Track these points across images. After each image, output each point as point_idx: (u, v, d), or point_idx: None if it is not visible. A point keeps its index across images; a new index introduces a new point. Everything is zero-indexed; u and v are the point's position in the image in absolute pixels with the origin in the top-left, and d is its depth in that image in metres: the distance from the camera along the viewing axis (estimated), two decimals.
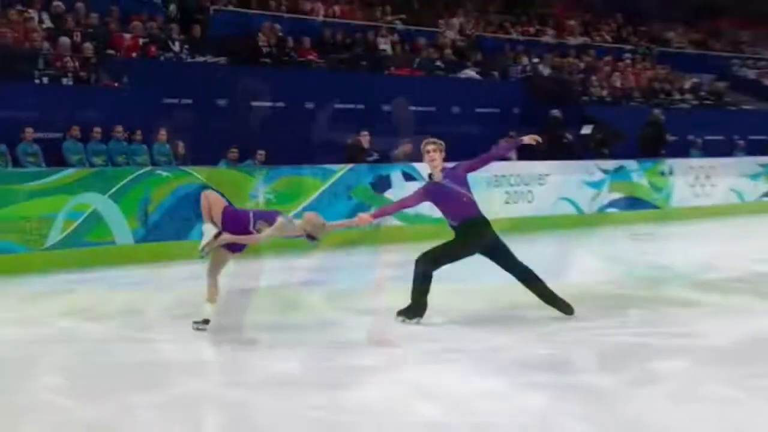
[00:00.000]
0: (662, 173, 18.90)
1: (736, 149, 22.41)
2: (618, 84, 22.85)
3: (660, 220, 17.61)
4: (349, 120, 17.00)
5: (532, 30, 25.22)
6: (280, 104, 17.34)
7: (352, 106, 17.93)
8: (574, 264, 11.60)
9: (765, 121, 25.06)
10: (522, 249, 13.49)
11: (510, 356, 6.55)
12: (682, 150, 21.59)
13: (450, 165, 7.97)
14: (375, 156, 16.05)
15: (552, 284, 7.77)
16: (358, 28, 20.65)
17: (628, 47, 26.40)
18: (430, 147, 7.87)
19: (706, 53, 28.77)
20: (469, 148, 17.31)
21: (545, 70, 22.27)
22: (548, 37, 25.14)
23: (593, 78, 22.47)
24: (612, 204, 17.85)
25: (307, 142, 15.86)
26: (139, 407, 5.37)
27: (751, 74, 28.18)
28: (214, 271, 7.57)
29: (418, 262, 7.74)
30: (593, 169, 17.71)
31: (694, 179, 19.48)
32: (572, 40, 25.37)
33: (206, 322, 7.42)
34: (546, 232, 15.71)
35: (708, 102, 24.59)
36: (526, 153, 18.66)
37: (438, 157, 7.87)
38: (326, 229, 7.73)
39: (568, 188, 17.21)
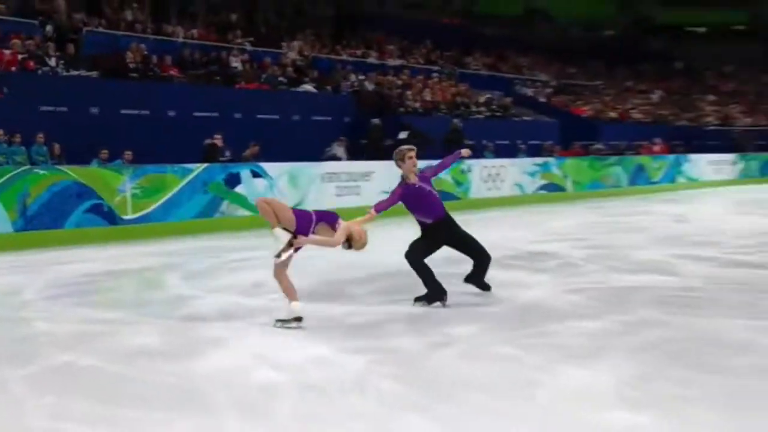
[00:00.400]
0: (462, 171, 19.34)
1: (519, 152, 23.17)
2: (428, 98, 23.19)
3: (461, 209, 17.94)
4: (205, 126, 16.68)
5: (359, 52, 25.31)
6: (145, 112, 16.80)
7: (207, 114, 17.55)
8: (391, 246, 11.74)
9: (540, 129, 26.11)
10: None
11: (336, 325, 6.50)
12: (478, 152, 22.16)
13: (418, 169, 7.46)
14: (228, 156, 15.79)
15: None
16: (213, 48, 20.21)
17: (436, 68, 26.86)
18: (413, 153, 7.35)
19: (495, 75, 29.62)
20: (307, 148, 17.44)
21: (370, 86, 22.37)
22: (372, 59, 25.28)
23: (408, 93, 22.72)
24: None
25: (169, 143, 15.48)
26: (14, 380, 5.07)
27: (529, 92, 29.17)
28: (284, 270, 6.45)
29: (407, 257, 7.43)
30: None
31: (487, 176, 20.03)
32: (391, 62, 25.61)
33: (299, 320, 6.37)
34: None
35: (497, 114, 25.27)
36: (356, 154, 18.82)
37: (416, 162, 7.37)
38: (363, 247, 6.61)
39: (389, 183, 17.30)
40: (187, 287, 8.39)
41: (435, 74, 25.84)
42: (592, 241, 11.52)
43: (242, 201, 14.49)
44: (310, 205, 15.57)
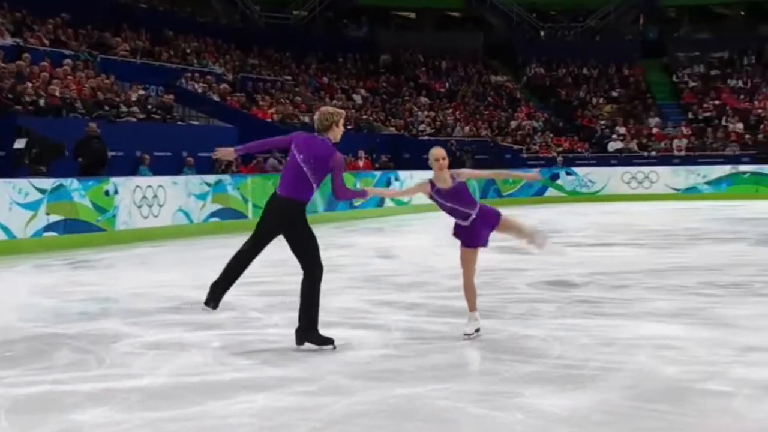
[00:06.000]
0: (107, 193, 18.99)
1: (185, 167, 23.22)
2: (57, 93, 22.52)
3: (104, 244, 17.70)
4: None
5: None
6: None
7: None
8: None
9: (212, 137, 26.31)
10: None
11: None
12: (130, 167, 21.95)
13: None
14: None
15: None
16: None
17: (69, 52, 26.21)
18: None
19: (153, 63, 29.50)
20: None
21: None
22: None
23: (28, 85, 21.96)
24: (50, 227, 17.55)
25: None
26: None
27: (199, 88, 29.40)
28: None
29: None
30: (28, 188, 17.27)
31: (141, 199, 19.82)
32: (2, 41, 24.62)
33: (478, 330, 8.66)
34: None
35: (156, 115, 25.18)
36: None
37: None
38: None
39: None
40: None
41: (68, 60, 25.21)
42: (274, 286, 11.81)
43: None
44: None
